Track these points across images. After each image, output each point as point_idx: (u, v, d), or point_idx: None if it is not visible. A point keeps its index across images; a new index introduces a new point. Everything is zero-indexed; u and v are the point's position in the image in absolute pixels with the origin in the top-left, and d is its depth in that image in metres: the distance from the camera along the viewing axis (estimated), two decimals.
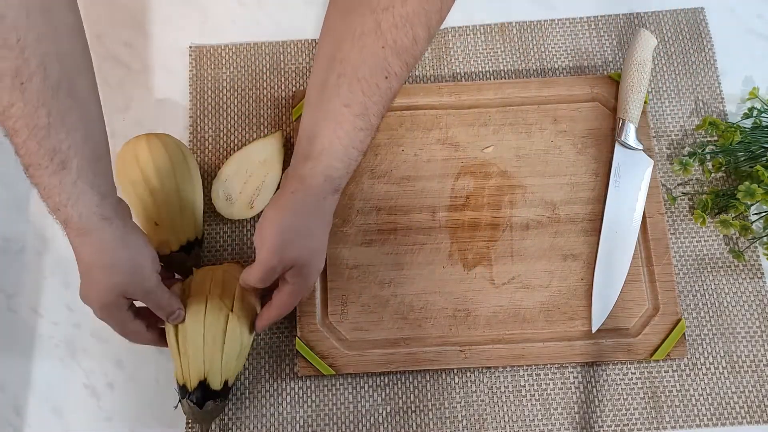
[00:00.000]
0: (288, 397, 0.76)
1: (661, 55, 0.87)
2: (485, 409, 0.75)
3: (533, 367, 0.76)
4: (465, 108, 0.83)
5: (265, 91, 0.86)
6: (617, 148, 0.80)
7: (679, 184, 0.82)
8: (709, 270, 0.79)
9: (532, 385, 0.75)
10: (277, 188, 0.81)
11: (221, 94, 0.86)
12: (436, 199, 0.80)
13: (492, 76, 0.87)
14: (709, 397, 0.75)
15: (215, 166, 0.83)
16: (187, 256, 0.76)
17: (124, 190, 0.76)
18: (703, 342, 0.77)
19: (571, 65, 0.87)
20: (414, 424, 0.75)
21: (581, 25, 0.88)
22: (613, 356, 0.75)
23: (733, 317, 0.77)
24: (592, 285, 0.77)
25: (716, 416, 0.74)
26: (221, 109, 0.86)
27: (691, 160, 0.79)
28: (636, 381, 0.75)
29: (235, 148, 0.84)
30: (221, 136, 0.85)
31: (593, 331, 0.75)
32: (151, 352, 0.77)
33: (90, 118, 0.62)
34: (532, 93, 0.83)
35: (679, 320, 0.75)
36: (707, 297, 0.78)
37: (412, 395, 0.75)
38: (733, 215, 0.78)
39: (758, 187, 0.74)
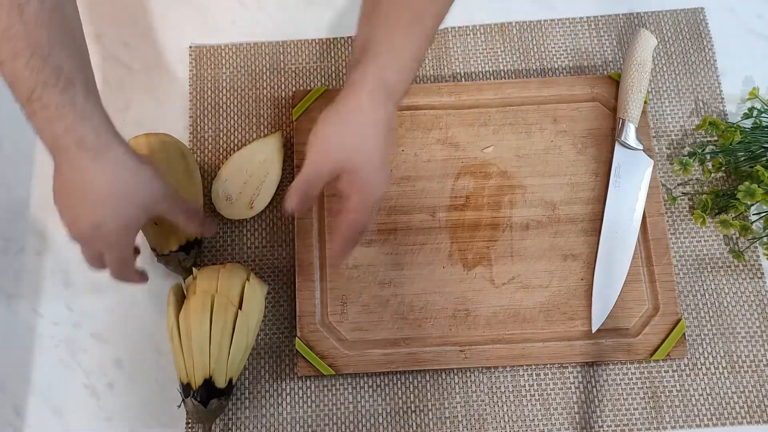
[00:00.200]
0: (288, 397, 0.76)
1: (661, 55, 0.87)
2: (485, 409, 0.75)
3: (533, 367, 0.76)
4: (465, 108, 0.83)
5: (265, 91, 0.86)
6: (617, 148, 0.80)
7: (679, 184, 0.82)
8: (709, 270, 0.79)
9: (532, 385, 0.75)
10: (278, 188, 0.81)
11: (221, 94, 0.86)
12: (436, 199, 0.80)
13: (492, 76, 0.87)
14: (709, 397, 0.75)
15: (215, 166, 0.83)
16: (186, 255, 0.76)
17: None
18: (703, 342, 0.77)
19: (571, 65, 0.87)
20: (414, 424, 0.75)
21: (581, 25, 0.88)
22: (613, 356, 0.75)
23: (733, 317, 0.77)
24: (592, 285, 0.77)
25: (716, 416, 0.74)
26: (221, 109, 0.86)
27: (691, 160, 0.79)
28: (636, 381, 0.75)
29: (235, 148, 0.84)
30: (221, 136, 0.85)
31: (593, 331, 0.75)
32: (151, 352, 0.77)
33: (82, 46, 0.62)
34: (532, 93, 0.83)
35: (679, 320, 0.75)
36: (707, 297, 0.78)
37: (412, 395, 0.76)
38: (733, 215, 0.78)
39: (758, 187, 0.74)
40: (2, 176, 0.84)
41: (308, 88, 0.86)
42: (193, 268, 0.74)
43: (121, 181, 0.61)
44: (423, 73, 0.87)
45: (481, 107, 0.83)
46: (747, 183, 0.75)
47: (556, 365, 0.76)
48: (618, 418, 0.74)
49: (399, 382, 0.76)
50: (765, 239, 0.78)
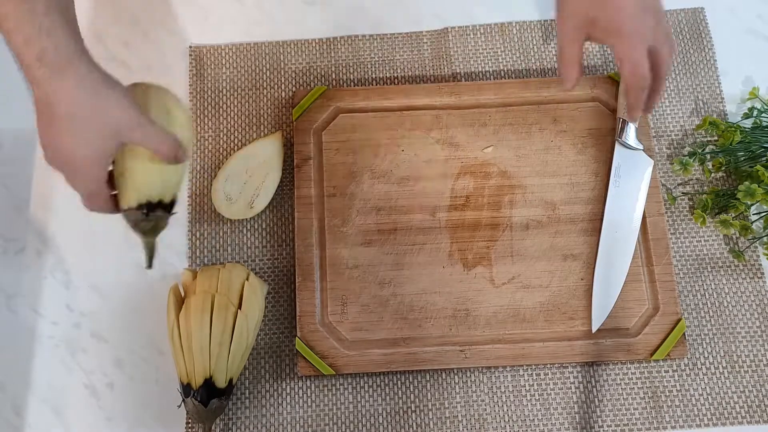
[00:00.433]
0: (288, 397, 0.76)
1: None
2: (485, 409, 0.75)
3: (533, 367, 0.76)
4: (465, 108, 0.83)
5: (265, 91, 0.86)
6: (617, 148, 0.80)
7: (679, 184, 0.82)
8: (709, 270, 0.79)
9: (532, 385, 0.75)
10: (278, 188, 0.81)
11: (221, 94, 0.86)
12: (436, 199, 0.80)
13: (492, 76, 0.87)
14: (709, 397, 0.75)
15: (215, 166, 0.83)
16: (145, 217, 0.66)
17: None
18: (703, 342, 0.77)
19: None
20: (414, 424, 0.75)
21: None
22: (613, 356, 0.75)
23: (733, 317, 0.77)
24: (592, 285, 0.77)
25: (716, 416, 0.74)
26: (221, 109, 0.86)
27: (691, 160, 0.79)
28: (636, 381, 0.75)
29: (235, 148, 0.84)
30: (221, 136, 0.85)
31: (593, 331, 0.75)
32: (151, 352, 0.77)
33: None
34: (532, 93, 0.83)
35: (679, 320, 0.75)
36: (707, 297, 0.78)
37: (412, 395, 0.75)
38: (733, 215, 0.78)
39: (758, 187, 0.74)
40: (2, 176, 0.84)
41: (308, 88, 0.86)
42: (196, 268, 0.74)
43: (83, 101, 0.57)
44: (423, 73, 0.87)
45: (481, 107, 0.83)
46: (747, 183, 0.75)
47: (556, 365, 0.76)
48: (618, 418, 0.74)
49: (399, 382, 0.76)
50: (765, 239, 0.78)
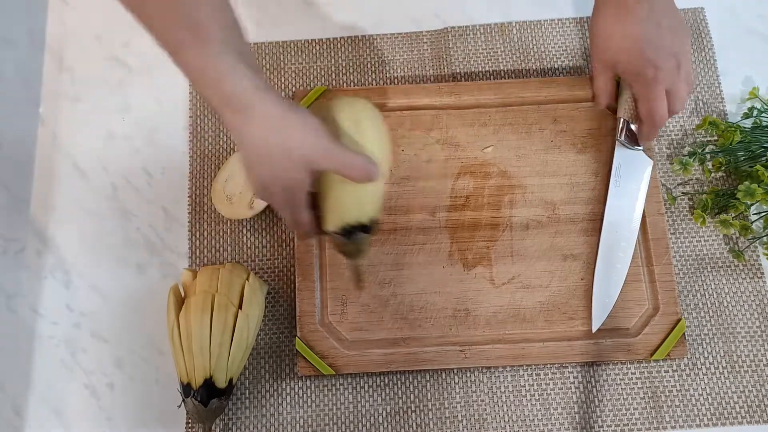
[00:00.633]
0: (288, 397, 0.76)
1: None
2: (485, 409, 0.75)
3: (533, 367, 0.76)
4: (465, 108, 0.83)
5: None
6: (618, 148, 0.80)
7: (679, 184, 0.82)
8: (709, 270, 0.79)
9: (532, 385, 0.75)
10: None
11: None
12: (436, 199, 0.80)
13: (492, 76, 0.87)
14: (709, 397, 0.75)
15: (215, 166, 0.83)
16: (347, 240, 0.66)
17: None
18: (703, 342, 0.77)
19: (571, 65, 0.87)
20: (414, 424, 0.75)
21: (581, 25, 0.88)
22: (613, 356, 0.75)
23: (733, 317, 0.77)
24: (592, 285, 0.77)
25: (716, 416, 0.74)
26: None
27: (691, 160, 0.79)
28: (636, 381, 0.75)
29: (235, 148, 0.84)
30: (221, 136, 0.85)
31: (593, 331, 0.75)
32: (151, 352, 0.77)
33: (228, 7, 0.60)
34: (532, 93, 0.83)
35: (679, 320, 0.75)
36: (707, 297, 0.78)
37: (412, 395, 0.76)
38: (733, 215, 0.78)
39: (758, 186, 0.74)
40: (2, 176, 0.84)
41: (308, 88, 0.86)
42: (197, 268, 0.74)
43: (272, 137, 0.59)
44: (423, 73, 0.87)
45: (481, 107, 0.83)
46: (747, 183, 0.75)
47: (556, 365, 0.76)
48: (618, 418, 0.74)
49: (399, 382, 0.76)
50: (765, 239, 0.78)
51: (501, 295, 0.77)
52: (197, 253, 0.80)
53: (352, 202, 0.65)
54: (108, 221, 0.82)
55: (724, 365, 0.76)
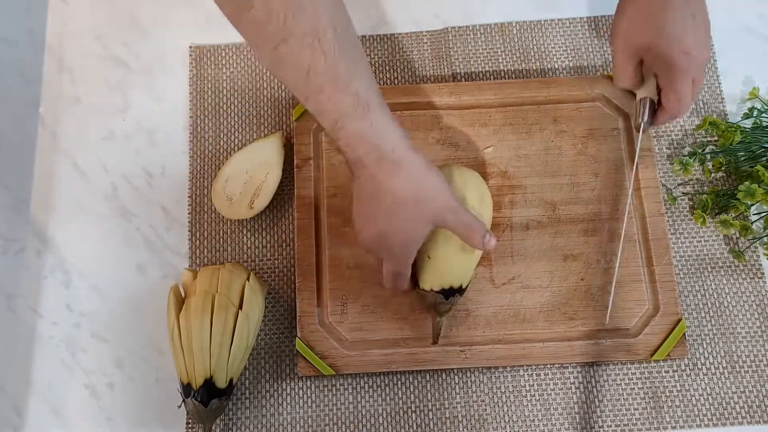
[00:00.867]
0: (288, 397, 0.76)
1: None
2: (485, 409, 0.75)
3: (533, 367, 0.76)
4: (465, 108, 0.83)
5: (265, 91, 0.86)
6: (641, 137, 0.77)
7: (679, 184, 0.82)
8: (709, 270, 0.79)
9: (532, 385, 0.75)
10: (278, 188, 0.81)
11: (221, 94, 0.86)
12: None
13: (492, 76, 0.87)
14: (710, 397, 0.75)
15: (215, 166, 0.83)
16: (444, 300, 0.72)
17: None
18: (704, 342, 0.77)
19: (571, 65, 0.87)
20: (414, 424, 0.75)
21: (581, 25, 0.88)
22: (613, 356, 0.74)
23: (734, 317, 0.77)
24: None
25: (716, 416, 0.74)
26: (221, 109, 0.86)
27: (692, 160, 0.79)
28: (636, 381, 0.75)
29: (235, 148, 0.84)
30: (221, 136, 0.85)
31: (606, 323, 0.75)
32: (151, 352, 0.77)
33: (365, 61, 0.63)
34: (532, 93, 0.83)
35: (679, 320, 0.75)
36: (707, 297, 0.78)
37: (412, 395, 0.75)
38: (734, 215, 0.78)
39: (758, 187, 0.74)
40: (2, 176, 0.84)
41: None
42: (197, 268, 0.74)
43: (411, 188, 0.63)
44: (423, 73, 0.87)
45: (481, 107, 0.83)
46: (747, 183, 0.75)
47: (556, 365, 0.76)
48: (618, 418, 0.74)
49: (399, 382, 0.76)
50: (765, 239, 0.78)
51: (501, 296, 0.77)
52: (197, 254, 0.80)
53: (460, 265, 0.71)
54: (108, 221, 0.82)
55: (724, 365, 0.76)
